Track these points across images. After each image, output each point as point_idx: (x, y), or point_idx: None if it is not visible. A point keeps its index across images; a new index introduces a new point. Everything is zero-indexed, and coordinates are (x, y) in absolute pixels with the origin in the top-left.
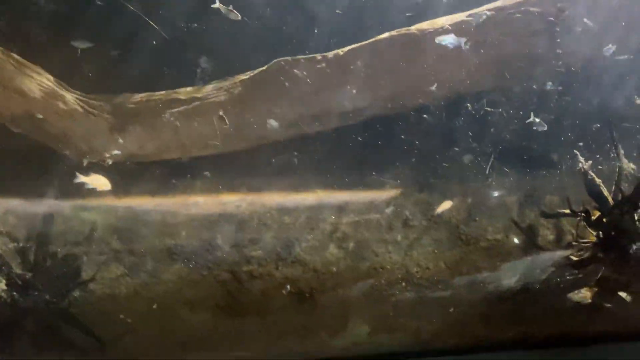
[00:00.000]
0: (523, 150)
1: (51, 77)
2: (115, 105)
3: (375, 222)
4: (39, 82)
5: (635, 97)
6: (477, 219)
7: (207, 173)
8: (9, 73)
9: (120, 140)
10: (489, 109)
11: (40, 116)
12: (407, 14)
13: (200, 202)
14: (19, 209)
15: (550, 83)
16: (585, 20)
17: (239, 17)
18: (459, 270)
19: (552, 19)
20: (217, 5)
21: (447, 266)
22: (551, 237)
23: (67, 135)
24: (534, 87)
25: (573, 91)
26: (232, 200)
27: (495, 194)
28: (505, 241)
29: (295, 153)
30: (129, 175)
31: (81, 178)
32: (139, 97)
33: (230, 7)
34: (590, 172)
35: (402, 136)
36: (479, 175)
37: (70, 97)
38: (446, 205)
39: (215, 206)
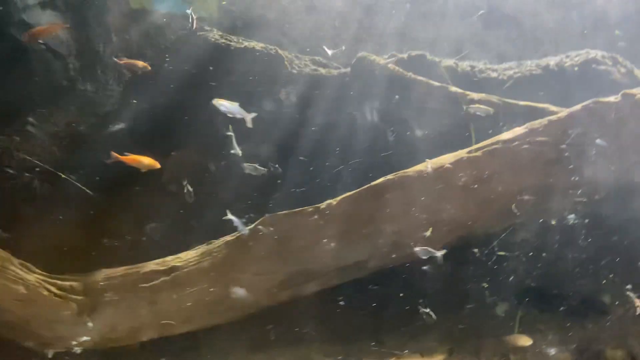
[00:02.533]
0: (562, 296)
1: (15, 260)
2: (88, 283)
3: None
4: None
5: None
6: None
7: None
8: None
9: (90, 324)
10: (502, 253)
11: None
12: None
13: None
14: None
15: (572, 216)
16: (598, 141)
17: None
18: None
19: (563, 146)
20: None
21: None
22: None
23: (29, 324)
24: (552, 222)
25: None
26: None
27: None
28: None
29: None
30: None
31: None
32: (112, 271)
33: None
34: None
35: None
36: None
37: (33, 279)
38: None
39: None
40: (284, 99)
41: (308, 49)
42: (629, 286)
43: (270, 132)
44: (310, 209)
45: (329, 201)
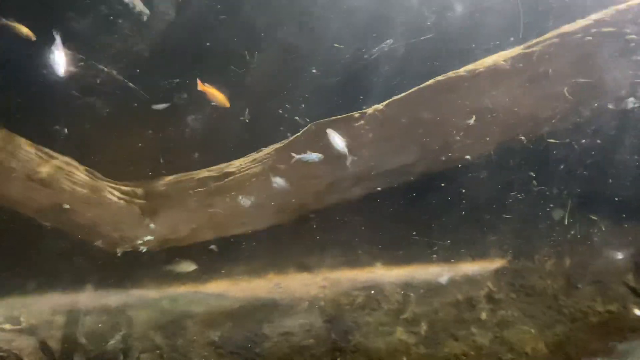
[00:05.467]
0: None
1: (81, 167)
2: (147, 189)
3: (450, 298)
4: (67, 172)
5: None
6: (579, 286)
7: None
8: (34, 165)
9: (152, 226)
10: (554, 140)
11: (68, 206)
12: None
13: (245, 286)
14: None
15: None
16: None
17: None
18: (565, 354)
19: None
20: None
21: (550, 349)
22: None
23: (97, 225)
24: (610, 106)
25: None
26: (278, 282)
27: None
28: (622, 313)
29: (346, 221)
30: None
31: None
32: (169, 178)
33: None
34: None
35: (465, 191)
36: (572, 229)
37: (100, 185)
38: None
39: (259, 290)
40: None
41: None
42: None
43: None
44: (357, 114)
45: (376, 105)
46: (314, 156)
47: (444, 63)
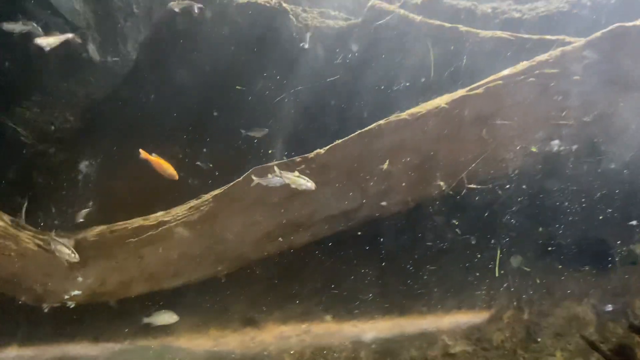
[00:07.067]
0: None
1: (6, 217)
2: (78, 239)
3: (404, 353)
4: None
5: None
6: (539, 339)
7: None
8: None
9: (80, 279)
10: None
11: None
12: None
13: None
14: None
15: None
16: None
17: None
18: None
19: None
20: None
21: None
22: None
23: (20, 278)
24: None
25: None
26: (223, 338)
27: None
28: None
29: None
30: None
31: None
32: (102, 228)
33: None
34: None
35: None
36: (531, 278)
37: (24, 236)
38: None
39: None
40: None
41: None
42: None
43: None
44: (299, 159)
45: (317, 150)
46: (275, 180)
47: None
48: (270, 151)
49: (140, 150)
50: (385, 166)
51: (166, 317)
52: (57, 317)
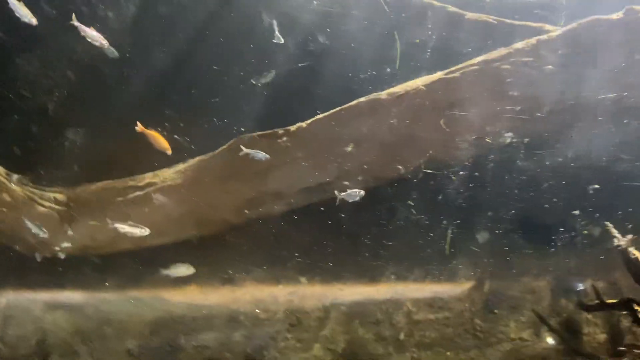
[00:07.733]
0: (543, 222)
1: (1, 169)
2: (71, 196)
3: (371, 316)
4: None
5: None
6: (496, 311)
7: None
8: None
9: (70, 232)
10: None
11: None
12: None
13: (167, 297)
14: None
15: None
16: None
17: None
18: None
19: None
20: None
21: None
22: (601, 337)
23: (15, 230)
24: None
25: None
26: (202, 294)
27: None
28: (534, 341)
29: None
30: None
31: None
32: (95, 186)
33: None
34: (631, 249)
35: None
36: (495, 254)
37: (18, 189)
38: None
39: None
40: None
41: None
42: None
43: None
44: (281, 131)
45: (299, 123)
46: (260, 155)
47: None
48: None
49: (138, 122)
50: (350, 149)
51: (184, 269)
52: (49, 266)
